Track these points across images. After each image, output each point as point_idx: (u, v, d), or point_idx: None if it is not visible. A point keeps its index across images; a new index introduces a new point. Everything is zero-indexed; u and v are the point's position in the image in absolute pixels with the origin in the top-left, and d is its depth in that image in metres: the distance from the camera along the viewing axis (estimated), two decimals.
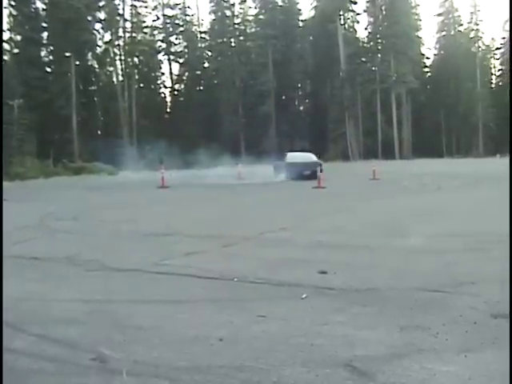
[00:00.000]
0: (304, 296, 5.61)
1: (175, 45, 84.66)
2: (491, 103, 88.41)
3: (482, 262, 7.27)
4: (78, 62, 68.39)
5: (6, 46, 59.40)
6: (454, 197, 19.04)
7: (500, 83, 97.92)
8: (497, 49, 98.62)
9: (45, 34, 69.57)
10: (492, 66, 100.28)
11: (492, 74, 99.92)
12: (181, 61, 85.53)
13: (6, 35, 59.75)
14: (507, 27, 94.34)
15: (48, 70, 69.95)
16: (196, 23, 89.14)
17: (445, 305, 5.18)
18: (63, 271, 7.44)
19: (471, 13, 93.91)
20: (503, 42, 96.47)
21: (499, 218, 12.24)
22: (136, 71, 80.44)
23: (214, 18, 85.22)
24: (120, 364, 3.88)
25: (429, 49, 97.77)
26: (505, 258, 7.31)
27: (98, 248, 9.28)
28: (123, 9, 77.68)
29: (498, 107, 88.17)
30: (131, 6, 79.55)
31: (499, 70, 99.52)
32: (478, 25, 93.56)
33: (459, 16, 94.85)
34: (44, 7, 67.71)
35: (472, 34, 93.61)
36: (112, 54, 76.91)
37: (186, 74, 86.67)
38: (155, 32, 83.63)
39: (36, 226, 12.54)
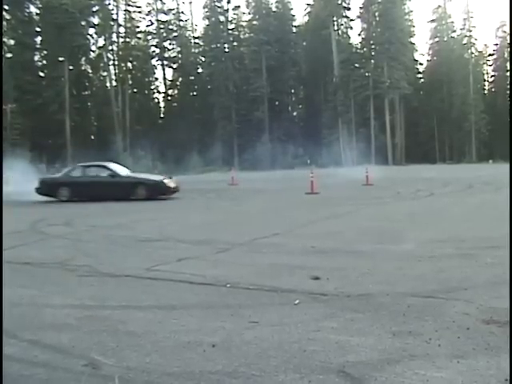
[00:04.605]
0: (297, 302, 5.61)
1: (169, 50, 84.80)
2: (484, 109, 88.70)
3: (475, 267, 7.28)
4: (71, 67, 68.48)
5: None
6: (447, 202, 19.07)
7: (493, 89, 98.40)
8: (489, 55, 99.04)
9: (38, 39, 69.63)
10: (485, 72, 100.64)
11: (485, 80, 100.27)
12: (174, 66, 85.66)
13: None
14: (500, 34, 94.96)
15: (41, 74, 70.00)
16: (190, 29, 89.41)
17: (437, 311, 5.18)
18: (56, 277, 7.42)
19: (464, 19, 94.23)
20: (496, 49, 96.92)
21: (491, 223, 12.30)
22: (129, 76, 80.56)
23: (207, 23, 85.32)
24: (112, 370, 3.87)
25: (422, 55, 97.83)
26: (497, 263, 7.34)
27: (91, 253, 9.26)
28: (117, 14, 77.95)
29: (490, 113, 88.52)
30: (125, 11, 79.75)
31: (492, 76, 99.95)
32: (470, 31, 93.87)
33: (452, 22, 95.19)
34: (38, 12, 67.80)
35: (465, 41, 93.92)
36: (105, 59, 77.01)
37: (180, 79, 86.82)
38: (149, 37, 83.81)
39: (28, 231, 12.51)
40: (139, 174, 26.19)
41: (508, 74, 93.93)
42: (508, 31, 74.16)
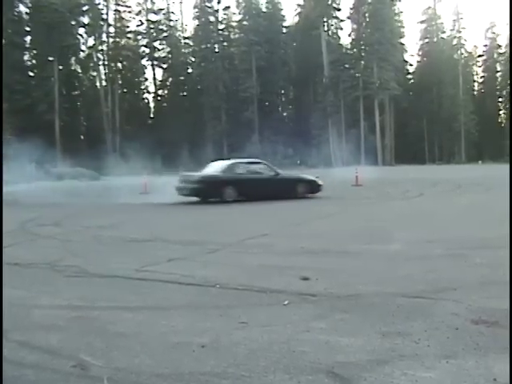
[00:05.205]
0: (286, 302, 5.60)
1: (159, 50, 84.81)
2: (473, 110, 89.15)
3: (464, 267, 7.30)
4: (61, 67, 68.32)
5: None
6: (436, 203, 19.14)
7: (482, 90, 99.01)
8: (479, 56, 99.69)
9: (28, 38, 69.36)
10: (474, 73, 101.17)
11: (474, 81, 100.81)
12: (164, 66, 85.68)
13: None
14: (489, 35, 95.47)
15: (31, 74, 69.73)
16: (180, 29, 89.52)
17: (426, 311, 5.20)
18: (44, 277, 7.39)
19: (454, 20, 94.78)
20: (485, 50, 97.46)
21: (481, 223, 12.35)
22: (119, 76, 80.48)
23: (197, 23, 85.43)
24: (101, 371, 3.85)
25: (412, 56, 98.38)
26: (486, 263, 7.37)
27: (80, 254, 9.22)
28: (107, 14, 77.97)
29: (479, 114, 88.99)
30: (115, 10, 79.76)
31: (481, 77, 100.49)
32: (460, 32, 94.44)
33: (442, 23, 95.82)
34: (27, 11, 67.51)
35: (455, 42, 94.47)
36: (95, 59, 76.95)
37: (170, 79, 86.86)
38: (139, 37, 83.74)
39: (17, 231, 12.44)
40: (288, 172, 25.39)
41: (497, 74, 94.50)
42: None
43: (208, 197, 21.01)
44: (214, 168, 22.25)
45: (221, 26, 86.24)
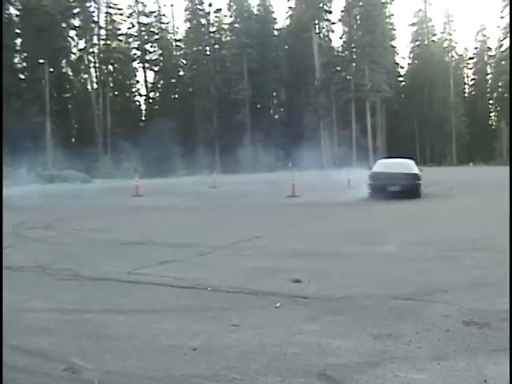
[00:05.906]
0: (278, 305, 5.60)
1: (150, 53, 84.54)
2: (464, 112, 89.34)
3: (455, 269, 7.32)
4: (51, 69, 68.03)
5: None
6: (428, 204, 19.18)
7: (473, 92, 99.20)
8: (470, 58, 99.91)
9: (18, 41, 69.02)
10: (465, 75, 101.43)
11: (465, 84, 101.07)
12: (156, 69, 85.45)
13: None
14: (480, 37, 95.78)
15: (21, 76, 69.38)
16: (171, 31, 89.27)
17: (418, 313, 5.21)
18: (37, 280, 7.37)
19: (444, 23, 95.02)
20: (476, 52, 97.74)
21: (472, 225, 12.38)
22: (110, 79, 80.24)
23: (189, 26, 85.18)
24: (93, 374, 3.85)
25: (403, 58, 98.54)
26: (477, 265, 7.40)
27: (72, 257, 9.20)
28: (98, 16, 77.67)
29: (470, 116, 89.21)
30: (106, 13, 79.47)
31: (472, 80, 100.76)
32: (451, 35, 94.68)
33: (433, 26, 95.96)
34: (17, 13, 67.19)
35: (445, 44, 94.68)
36: (86, 62, 76.71)
37: (161, 81, 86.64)
38: (130, 40, 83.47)
39: (8, 234, 12.39)
40: None
41: (487, 76, 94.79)
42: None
43: (410, 194, 20.99)
44: (402, 166, 23.03)
45: (212, 29, 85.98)
